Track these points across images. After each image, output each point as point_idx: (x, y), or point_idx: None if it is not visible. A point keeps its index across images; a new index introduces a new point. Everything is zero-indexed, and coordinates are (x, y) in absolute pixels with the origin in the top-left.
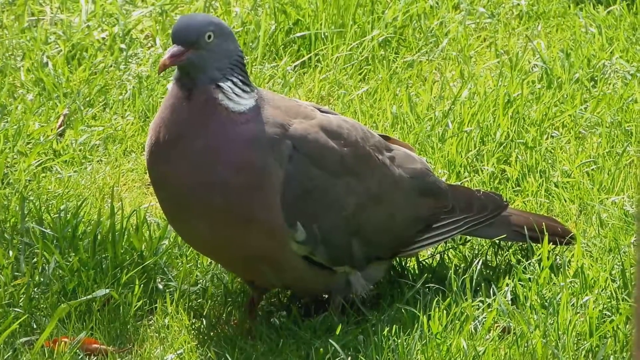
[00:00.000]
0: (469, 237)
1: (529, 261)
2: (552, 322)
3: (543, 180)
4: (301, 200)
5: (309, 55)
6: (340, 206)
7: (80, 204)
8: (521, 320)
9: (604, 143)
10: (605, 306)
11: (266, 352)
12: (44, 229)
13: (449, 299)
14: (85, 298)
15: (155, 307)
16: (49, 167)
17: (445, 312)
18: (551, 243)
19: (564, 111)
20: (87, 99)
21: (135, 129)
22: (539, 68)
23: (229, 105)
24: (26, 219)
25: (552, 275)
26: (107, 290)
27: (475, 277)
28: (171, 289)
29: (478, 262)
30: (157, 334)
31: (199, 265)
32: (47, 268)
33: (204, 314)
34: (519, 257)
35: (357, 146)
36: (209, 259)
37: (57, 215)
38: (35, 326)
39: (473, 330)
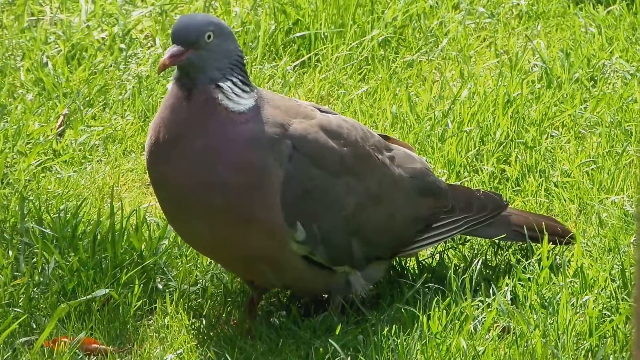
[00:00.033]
0: (468, 237)
1: (529, 261)
2: (551, 321)
3: (543, 180)
4: (301, 200)
5: (309, 55)
6: (340, 206)
7: (80, 204)
8: (521, 320)
9: (604, 143)
10: (604, 306)
11: (266, 352)
12: (43, 229)
13: (448, 299)
14: (84, 298)
15: (155, 307)
16: (48, 167)
17: (444, 311)
18: (551, 243)
19: (563, 111)
20: (87, 99)
21: (135, 128)
22: (539, 68)
23: (229, 105)
24: (26, 219)
25: (552, 275)
26: (107, 290)
27: (474, 276)
28: (171, 289)
29: (478, 262)
30: (156, 334)
31: (198, 265)
32: (46, 268)
33: (204, 313)
34: (519, 256)
35: (357, 146)
36: (208, 259)
37: (57, 215)
38: (34, 326)
39: (473, 330)
